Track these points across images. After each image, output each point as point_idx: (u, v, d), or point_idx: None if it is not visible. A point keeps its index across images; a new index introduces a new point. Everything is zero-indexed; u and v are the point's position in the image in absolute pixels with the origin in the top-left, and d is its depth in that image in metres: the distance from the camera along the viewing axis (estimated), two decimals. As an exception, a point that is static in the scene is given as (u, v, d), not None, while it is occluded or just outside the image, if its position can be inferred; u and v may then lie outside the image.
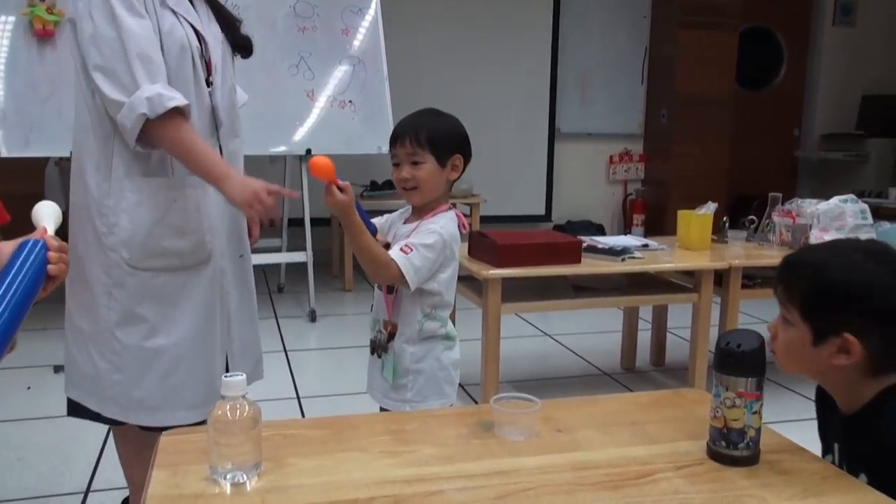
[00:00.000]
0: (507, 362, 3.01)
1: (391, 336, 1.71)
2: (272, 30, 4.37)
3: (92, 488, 2.37)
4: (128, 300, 1.76)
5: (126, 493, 2.08)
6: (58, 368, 3.26)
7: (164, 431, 1.27)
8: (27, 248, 1.07)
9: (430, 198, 1.71)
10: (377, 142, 4.51)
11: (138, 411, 1.80)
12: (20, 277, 1.05)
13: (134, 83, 1.63)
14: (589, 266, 2.86)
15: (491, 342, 2.79)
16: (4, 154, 3.67)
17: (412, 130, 1.67)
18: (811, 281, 1.18)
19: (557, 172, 6.43)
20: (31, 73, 3.70)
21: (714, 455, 1.18)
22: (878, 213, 4.32)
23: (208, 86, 1.81)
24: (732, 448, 1.16)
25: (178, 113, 1.66)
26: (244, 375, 1.09)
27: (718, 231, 3.35)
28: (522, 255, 2.75)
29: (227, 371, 1.87)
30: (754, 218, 3.43)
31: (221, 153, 1.85)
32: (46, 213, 1.12)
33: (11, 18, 3.73)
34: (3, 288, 1.04)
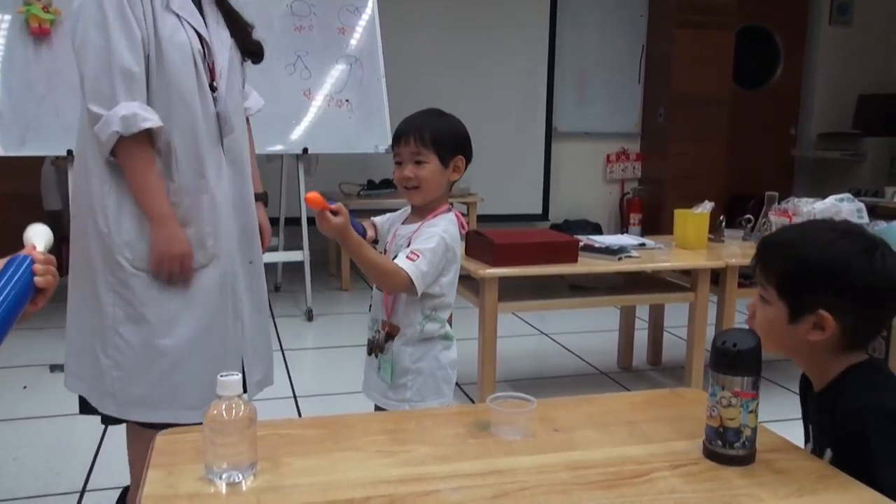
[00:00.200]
0: (503, 361, 3.01)
1: (389, 336, 1.71)
2: (269, 29, 4.36)
3: (88, 488, 2.36)
4: (132, 300, 1.76)
5: (119, 490, 2.08)
6: (54, 368, 3.26)
7: (162, 430, 1.27)
8: (14, 263, 1.10)
9: (431, 198, 1.70)
10: (374, 141, 4.51)
11: (138, 408, 1.80)
12: (6, 290, 1.06)
13: (113, 98, 1.65)
14: (586, 265, 2.86)
15: (488, 341, 2.79)
16: (1, 153, 3.66)
17: (416, 130, 1.66)
18: (787, 260, 1.21)
19: (555, 171, 6.43)
20: (28, 72, 3.69)
21: (710, 454, 1.18)
22: (875, 212, 4.32)
23: (212, 91, 1.80)
24: (728, 447, 1.16)
25: (146, 136, 1.68)
26: (239, 375, 1.09)
27: (715, 230, 3.35)
28: (519, 254, 2.75)
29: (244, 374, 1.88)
30: (751, 217, 3.44)
31: (226, 158, 1.85)
32: (37, 233, 1.15)
33: (7, 17, 3.72)
34: None
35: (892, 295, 1.18)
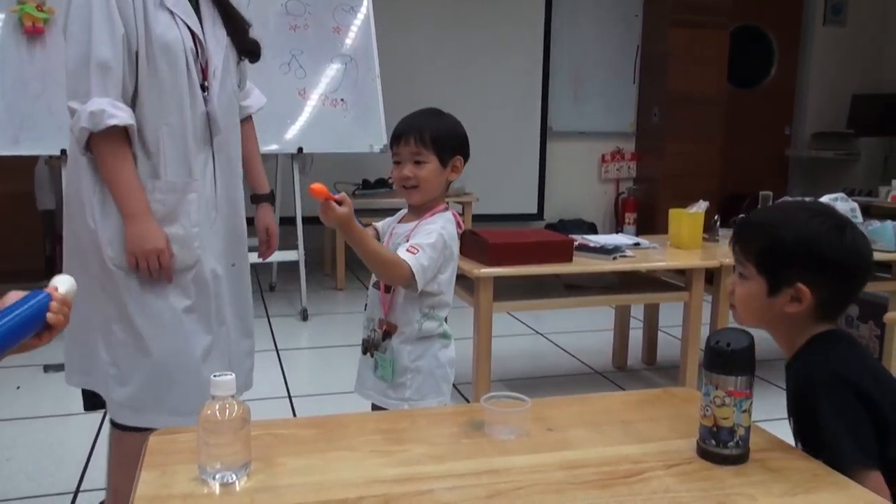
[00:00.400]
0: (498, 361, 3.01)
1: (386, 335, 1.70)
2: (264, 28, 4.35)
3: (81, 488, 2.36)
4: (118, 298, 1.75)
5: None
6: (48, 368, 3.25)
7: (153, 432, 1.26)
8: (33, 296, 1.14)
9: (429, 197, 1.71)
10: (369, 140, 4.51)
11: (125, 411, 1.79)
12: (15, 313, 1.10)
13: (87, 93, 1.64)
14: (581, 265, 2.86)
15: (483, 341, 2.79)
16: (-6, 153, 3.65)
17: (416, 130, 1.66)
18: (766, 239, 1.29)
19: (550, 171, 6.44)
20: (21, 71, 3.68)
21: (704, 453, 1.18)
22: (869, 212, 4.34)
23: (203, 90, 1.78)
24: (722, 446, 1.16)
25: (119, 133, 1.66)
26: (233, 375, 1.08)
27: (710, 229, 3.36)
28: (514, 253, 2.75)
29: None
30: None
31: (214, 160, 1.83)
32: (62, 280, 1.19)
33: (1, 16, 3.70)
34: None
35: (861, 268, 1.28)
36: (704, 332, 3.02)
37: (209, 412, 1.06)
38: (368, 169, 5.34)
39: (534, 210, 6.41)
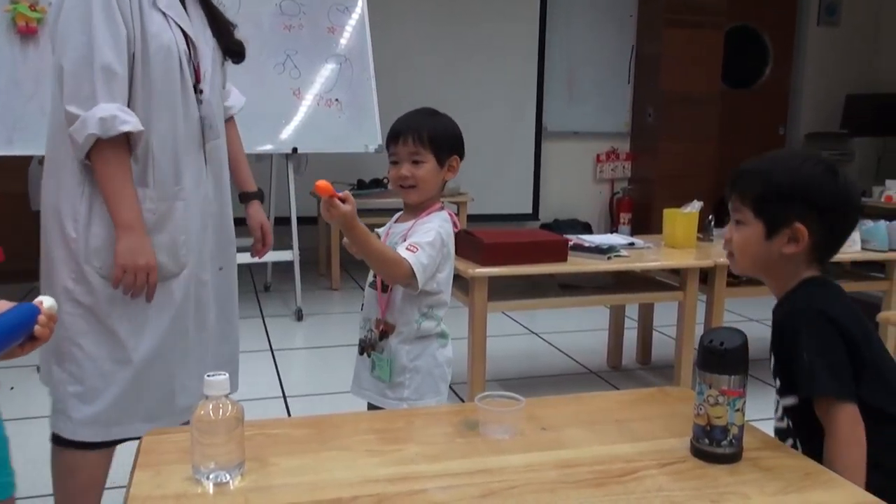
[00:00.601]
0: (493, 361, 3.01)
1: (383, 335, 1.70)
2: (258, 28, 4.35)
3: (76, 489, 2.35)
4: (98, 311, 1.68)
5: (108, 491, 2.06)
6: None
7: (149, 433, 1.26)
8: (20, 306, 1.15)
9: (426, 197, 1.71)
10: (364, 140, 4.50)
11: (92, 427, 1.71)
12: (7, 318, 1.11)
13: (93, 97, 1.57)
14: (575, 264, 2.87)
15: (477, 341, 2.79)
16: (-13, 152, 3.63)
17: (414, 129, 1.66)
18: (762, 184, 1.34)
19: (544, 171, 6.44)
20: (14, 71, 3.67)
21: (697, 452, 1.19)
22: (862, 212, 4.35)
23: (197, 93, 1.74)
24: (716, 445, 1.17)
25: (123, 140, 1.60)
26: (227, 375, 1.08)
27: (704, 229, 3.37)
28: (509, 253, 2.75)
29: None
30: (739, 216, 3.45)
31: (207, 165, 1.80)
32: (45, 298, 1.20)
33: (-6, 15, 3.70)
34: None
35: (852, 208, 1.36)
36: (699, 331, 3.01)
37: (203, 412, 1.06)
38: (363, 169, 5.34)
39: (528, 210, 6.41)
